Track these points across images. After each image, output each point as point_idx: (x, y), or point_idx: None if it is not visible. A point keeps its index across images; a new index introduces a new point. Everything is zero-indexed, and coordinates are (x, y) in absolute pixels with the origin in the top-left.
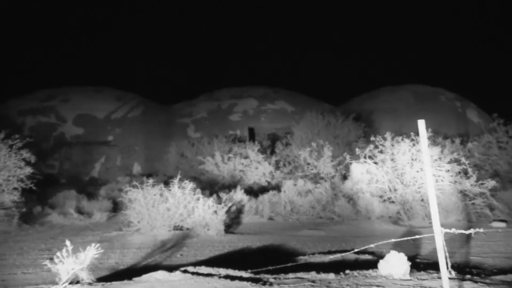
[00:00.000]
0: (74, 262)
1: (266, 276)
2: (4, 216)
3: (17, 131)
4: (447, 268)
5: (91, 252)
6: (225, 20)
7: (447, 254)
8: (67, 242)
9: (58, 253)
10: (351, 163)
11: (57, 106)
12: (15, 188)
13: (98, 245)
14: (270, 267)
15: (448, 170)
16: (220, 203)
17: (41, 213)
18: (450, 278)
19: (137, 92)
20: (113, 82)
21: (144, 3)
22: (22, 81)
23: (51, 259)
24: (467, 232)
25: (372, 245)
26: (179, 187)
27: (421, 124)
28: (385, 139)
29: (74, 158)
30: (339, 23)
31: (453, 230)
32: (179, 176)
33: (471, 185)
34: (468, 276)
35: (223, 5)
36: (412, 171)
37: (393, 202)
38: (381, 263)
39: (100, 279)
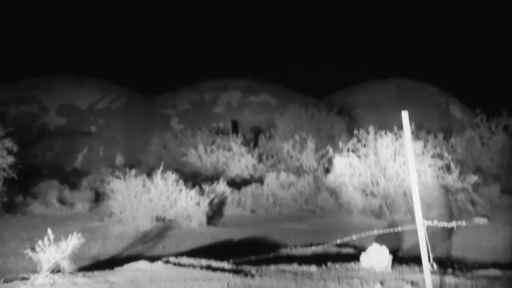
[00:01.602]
0: (55, 251)
1: (248, 267)
2: None
3: None
4: (429, 261)
5: (73, 241)
6: (209, 10)
7: (429, 247)
8: (49, 231)
9: (40, 242)
10: (334, 157)
11: (39, 96)
12: None
13: (79, 234)
14: (252, 258)
15: (431, 165)
16: (202, 195)
17: (22, 202)
18: (431, 272)
19: (120, 83)
20: (96, 72)
21: None
22: (2, 69)
23: (33, 248)
24: (449, 225)
25: (354, 237)
26: (161, 178)
27: (405, 115)
28: (368, 132)
29: (57, 148)
30: (323, 16)
31: (435, 223)
32: (161, 167)
33: (454, 180)
34: (449, 270)
35: None
36: (395, 165)
37: (375, 196)
38: (363, 256)
39: (82, 269)
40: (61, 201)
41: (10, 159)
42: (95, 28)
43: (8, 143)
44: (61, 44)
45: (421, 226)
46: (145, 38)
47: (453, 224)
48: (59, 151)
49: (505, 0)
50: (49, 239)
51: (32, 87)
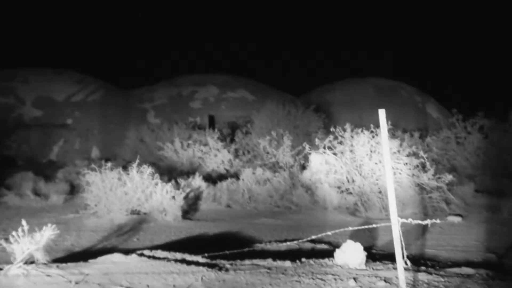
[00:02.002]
0: (29, 242)
1: (222, 261)
2: None
3: None
4: (403, 258)
5: (47, 233)
6: (188, 5)
7: (403, 245)
8: (23, 222)
9: (14, 233)
10: (310, 153)
11: (16, 87)
12: None
13: (54, 226)
14: (227, 252)
15: (406, 163)
16: (178, 189)
17: None
18: (405, 269)
19: (97, 76)
20: (73, 64)
21: None
22: None
23: (6, 239)
24: (424, 222)
25: (329, 233)
26: (137, 172)
27: (382, 113)
28: (344, 130)
29: (32, 140)
30: (301, 14)
31: (409, 220)
32: (137, 161)
33: (429, 178)
34: (423, 268)
35: None
36: (371, 163)
37: (350, 193)
38: (337, 252)
39: (56, 260)
40: (36, 192)
41: None
42: (73, 21)
43: None
44: (38, 35)
45: (396, 223)
46: (123, 32)
47: (427, 221)
48: (34, 143)
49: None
50: (23, 230)
51: (8, 78)
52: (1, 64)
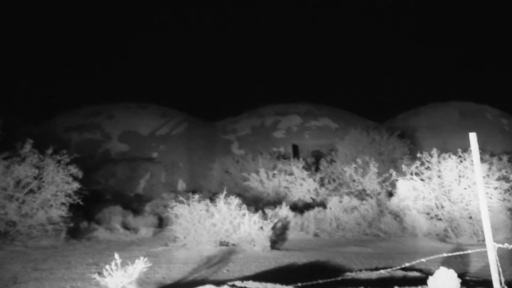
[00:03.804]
0: (123, 276)
1: None
2: (52, 231)
3: (63, 147)
4: (500, 284)
5: (139, 266)
6: (267, 37)
7: (500, 270)
8: (116, 256)
9: (107, 266)
10: (397, 180)
11: (102, 123)
12: (62, 203)
13: (145, 259)
14: (320, 281)
15: (497, 188)
16: (265, 219)
17: (87, 228)
18: None
19: (181, 109)
20: (157, 98)
21: (185, 22)
22: (67, 97)
23: (99, 273)
24: None
25: (423, 260)
26: (224, 203)
27: (473, 137)
28: (431, 155)
29: (119, 174)
30: (383, 40)
31: (506, 245)
32: (224, 192)
33: None
34: None
35: (264, 21)
36: (460, 188)
37: (440, 219)
38: (431, 280)
39: None
40: (125, 226)
41: (76, 185)
42: (157, 56)
43: (73, 169)
44: (122, 71)
45: (492, 248)
46: (206, 65)
47: None
48: (121, 177)
49: None
50: (116, 264)
51: (94, 114)
52: (87, 101)
